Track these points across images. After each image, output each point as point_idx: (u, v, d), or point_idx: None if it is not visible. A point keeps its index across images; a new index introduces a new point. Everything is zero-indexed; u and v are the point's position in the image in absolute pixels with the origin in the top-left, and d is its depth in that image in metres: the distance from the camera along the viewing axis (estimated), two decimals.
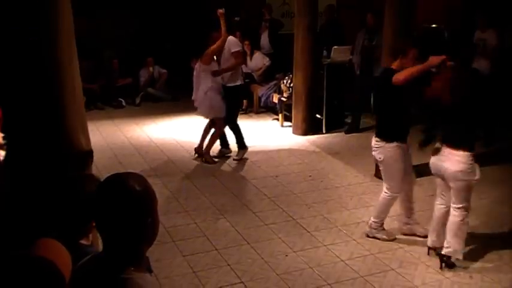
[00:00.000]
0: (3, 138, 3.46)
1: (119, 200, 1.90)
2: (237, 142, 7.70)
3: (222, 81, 7.38)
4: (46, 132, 3.09)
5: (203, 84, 7.30)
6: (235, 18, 10.11)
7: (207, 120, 7.66)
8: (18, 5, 2.91)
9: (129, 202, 1.90)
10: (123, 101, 10.84)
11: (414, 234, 5.39)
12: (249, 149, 7.81)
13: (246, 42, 9.83)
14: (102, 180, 2.10)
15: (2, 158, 3.60)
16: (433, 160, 4.79)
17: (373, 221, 5.35)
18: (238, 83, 7.52)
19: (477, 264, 4.91)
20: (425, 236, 5.14)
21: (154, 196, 1.99)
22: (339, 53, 9.21)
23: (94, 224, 2.47)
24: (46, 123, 3.08)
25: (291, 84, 9.05)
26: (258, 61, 10.25)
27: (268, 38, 10.69)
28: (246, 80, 10.04)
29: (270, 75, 10.22)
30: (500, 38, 7.77)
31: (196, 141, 7.77)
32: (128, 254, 1.92)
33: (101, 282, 1.92)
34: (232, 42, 7.30)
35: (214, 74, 7.28)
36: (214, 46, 7.22)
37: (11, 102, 3.10)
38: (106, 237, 1.95)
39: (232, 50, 7.26)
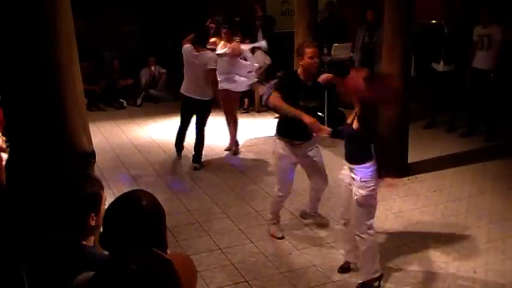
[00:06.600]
0: (6, 141, 3.48)
1: (131, 220, 2.02)
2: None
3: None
4: (48, 134, 3.09)
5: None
6: (236, 18, 10.09)
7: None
8: (16, 6, 2.92)
9: (141, 222, 2.04)
10: (124, 101, 10.84)
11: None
12: (252, 148, 7.82)
13: (247, 41, 9.82)
14: (103, 182, 2.13)
15: (4, 161, 3.61)
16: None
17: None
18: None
19: (481, 259, 4.92)
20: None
21: (164, 214, 2.16)
22: (339, 51, 9.19)
23: (94, 224, 2.49)
24: (48, 125, 3.08)
25: None
26: (259, 60, 10.22)
27: (262, 35, 10.63)
28: None
29: (272, 74, 10.19)
30: (505, 33, 7.75)
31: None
32: None
33: None
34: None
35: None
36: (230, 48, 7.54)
37: (13, 105, 3.11)
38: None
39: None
